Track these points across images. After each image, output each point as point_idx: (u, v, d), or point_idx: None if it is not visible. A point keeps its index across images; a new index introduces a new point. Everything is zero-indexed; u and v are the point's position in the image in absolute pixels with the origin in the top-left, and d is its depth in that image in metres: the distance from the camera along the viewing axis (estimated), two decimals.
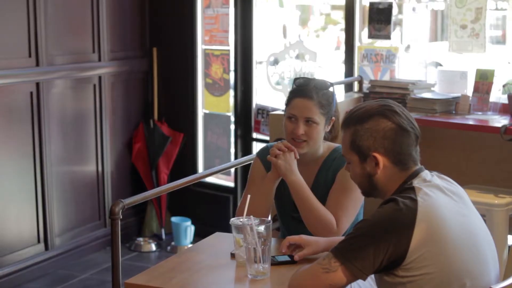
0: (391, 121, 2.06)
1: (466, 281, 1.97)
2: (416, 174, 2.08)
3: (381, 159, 2.07)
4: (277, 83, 5.24)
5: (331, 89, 2.73)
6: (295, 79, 2.78)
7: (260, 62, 5.42)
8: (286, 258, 2.44)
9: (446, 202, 2.04)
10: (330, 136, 2.82)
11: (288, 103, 2.73)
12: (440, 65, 4.77)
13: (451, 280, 1.95)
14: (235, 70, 5.28)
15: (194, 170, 5.51)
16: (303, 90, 2.69)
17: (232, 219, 2.43)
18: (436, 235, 1.95)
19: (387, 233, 1.94)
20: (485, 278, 2.03)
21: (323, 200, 2.68)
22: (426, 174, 2.10)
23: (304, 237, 2.45)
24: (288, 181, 2.68)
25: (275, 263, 2.37)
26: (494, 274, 2.09)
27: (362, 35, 4.73)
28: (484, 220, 3.42)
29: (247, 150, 5.28)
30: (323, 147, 2.76)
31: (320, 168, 2.76)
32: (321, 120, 2.68)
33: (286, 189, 2.76)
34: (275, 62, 5.31)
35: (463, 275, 1.97)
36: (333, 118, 2.74)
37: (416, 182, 2.05)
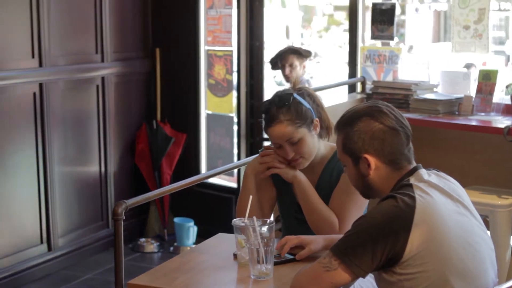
0: (379, 121, 2.09)
1: (462, 279, 1.98)
2: (412, 172, 2.09)
3: (372, 160, 2.09)
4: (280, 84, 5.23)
5: (294, 98, 2.61)
6: (261, 104, 2.73)
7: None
8: (287, 256, 2.44)
9: (443, 201, 2.04)
10: (327, 135, 2.77)
11: (265, 132, 2.68)
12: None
13: (448, 278, 1.96)
14: (238, 71, 5.27)
15: (196, 170, 5.51)
16: (269, 117, 2.62)
17: (234, 220, 2.43)
18: (433, 234, 1.96)
19: (385, 230, 1.95)
20: (482, 276, 2.04)
21: (327, 200, 2.68)
22: (423, 172, 2.11)
23: (302, 237, 2.45)
24: (295, 182, 2.68)
25: (277, 263, 2.38)
26: (492, 273, 2.09)
27: (365, 36, 4.74)
28: (487, 221, 3.44)
29: (252, 151, 5.27)
30: (324, 147, 2.73)
31: (324, 168, 2.74)
32: (302, 132, 2.61)
33: (289, 190, 2.75)
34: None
35: (459, 273, 1.97)
36: (315, 120, 2.65)
37: (413, 180, 2.06)
